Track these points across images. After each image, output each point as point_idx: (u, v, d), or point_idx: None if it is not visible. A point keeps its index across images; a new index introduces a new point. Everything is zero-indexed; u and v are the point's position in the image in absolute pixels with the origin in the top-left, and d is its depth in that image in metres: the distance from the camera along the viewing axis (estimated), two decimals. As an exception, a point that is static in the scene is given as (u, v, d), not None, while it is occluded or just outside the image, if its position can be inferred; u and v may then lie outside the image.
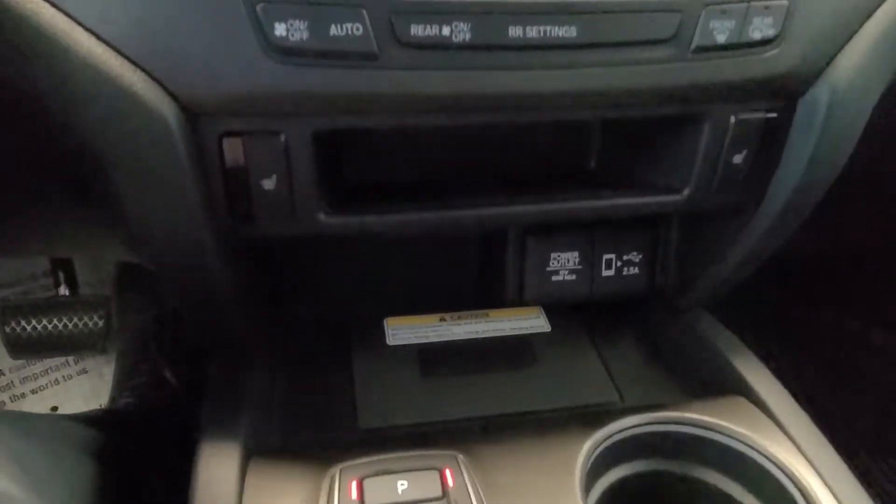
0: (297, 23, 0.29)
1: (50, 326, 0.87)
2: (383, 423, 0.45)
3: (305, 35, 0.29)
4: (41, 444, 0.42)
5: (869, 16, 0.37)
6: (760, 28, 0.34)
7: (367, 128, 0.34)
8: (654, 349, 0.53)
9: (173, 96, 0.31)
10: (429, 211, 0.38)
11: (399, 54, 0.31)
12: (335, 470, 0.37)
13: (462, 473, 0.37)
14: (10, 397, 0.95)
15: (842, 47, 0.37)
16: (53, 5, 0.28)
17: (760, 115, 0.38)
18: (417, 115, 0.34)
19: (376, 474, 0.37)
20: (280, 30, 0.29)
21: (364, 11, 0.29)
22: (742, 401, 0.44)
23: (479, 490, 0.36)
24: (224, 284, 0.39)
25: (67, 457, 0.44)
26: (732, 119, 0.38)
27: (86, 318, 0.88)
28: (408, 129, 0.37)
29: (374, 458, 0.38)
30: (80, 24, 0.29)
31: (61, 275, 0.93)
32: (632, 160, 0.45)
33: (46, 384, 0.97)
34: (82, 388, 0.99)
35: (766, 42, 0.34)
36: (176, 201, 0.33)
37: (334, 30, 0.30)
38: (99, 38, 0.29)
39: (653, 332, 0.54)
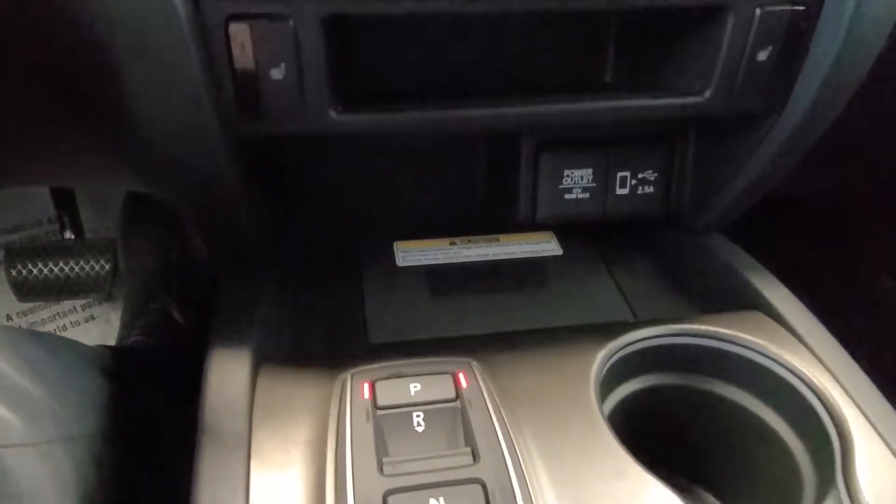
0: None
1: (56, 270, 0.87)
2: (394, 339, 0.44)
3: None
4: (57, 356, 0.42)
5: None
6: None
7: (375, 14, 0.33)
8: (667, 271, 0.52)
9: (178, -26, 0.30)
10: (442, 109, 0.37)
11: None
12: (346, 375, 0.37)
13: (476, 377, 0.36)
14: (19, 342, 0.95)
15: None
16: None
17: (787, 7, 0.36)
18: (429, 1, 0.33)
19: (389, 377, 0.36)
20: None
21: None
22: (759, 315, 0.44)
23: (493, 392, 0.36)
24: (234, 189, 0.38)
25: (82, 371, 0.44)
26: (758, 12, 0.36)
27: (92, 262, 0.88)
28: (418, 22, 0.36)
29: (386, 363, 0.38)
30: None
31: (66, 219, 0.92)
32: (649, 69, 0.43)
33: (54, 330, 0.98)
34: (90, 334, 0.99)
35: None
36: (183, 93, 0.32)
37: None
38: None
39: (666, 254, 0.54)
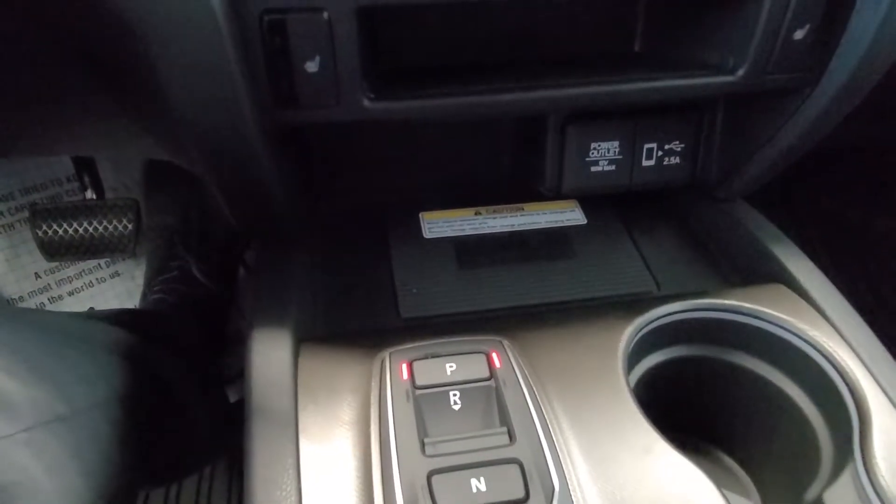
0: None
1: (81, 230, 0.88)
2: (425, 313, 0.46)
3: None
4: (35, 338, 0.42)
5: None
6: None
7: (410, 3, 0.33)
8: (691, 240, 0.53)
9: (213, -30, 0.29)
10: (474, 95, 0.37)
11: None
12: (385, 354, 0.38)
13: (508, 356, 0.38)
14: (49, 299, 0.98)
15: None
16: None
17: None
18: None
19: (425, 357, 0.37)
20: None
21: None
22: (782, 288, 0.45)
23: (526, 371, 0.37)
24: (266, 171, 0.38)
25: (66, 347, 0.44)
26: None
27: (115, 222, 0.89)
28: (450, 7, 0.35)
29: (422, 343, 0.39)
30: None
31: (86, 178, 0.93)
32: (679, 40, 0.43)
33: (82, 286, 1.00)
34: (116, 290, 1.02)
35: None
36: (220, 86, 0.33)
37: None
38: None
39: (690, 222, 0.54)
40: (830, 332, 0.41)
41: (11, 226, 0.95)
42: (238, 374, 0.89)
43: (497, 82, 0.38)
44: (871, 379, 0.38)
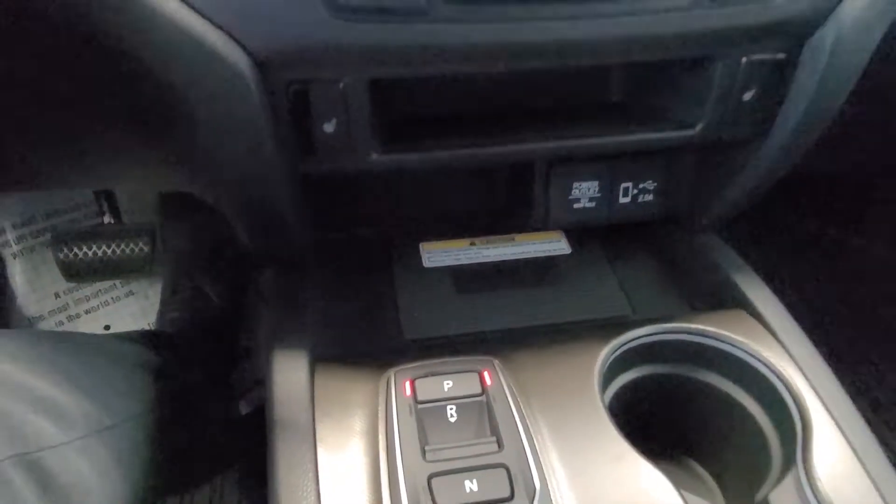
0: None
1: (100, 252, 0.93)
2: (426, 335, 0.51)
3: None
4: (81, 355, 0.47)
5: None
6: (773, -25, 0.37)
7: (418, 76, 0.38)
8: (665, 268, 0.59)
9: (247, 51, 0.35)
10: (467, 148, 0.43)
11: (445, 9, 0.35)
12: (390, 373, 0.43)
13: (498, 375, 0.43)
14: (67, 317, 1.03)
15: (850, -9, 0.40)
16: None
17: (769, 56, 0.42)
18: (464, 64, 0.38)
19: (426, 376, 0.43)
20: (343, -9, 0.33)
21: None
22: (742, 314, 0.50)
23: (513, 388, 0.43)
24: (287, 209, 0.44)
25: (107, 364, 0.49)
26: (744, 60, 0.41)
27: (132, 245, 0.95)
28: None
29: (423, 363, 0.44)
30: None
31: (105, 204, 0.98)
32: (652, 95, 0.49)
33: (98, 305, 1.05)
34: (130, 309, 1.07)
35: (778, -11, 0.38)
36: (251, 142, 0.38)
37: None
38: (184, 2, 0.33)
39: (664, 252, 0.60)
40: (781, 353, 0.46)
41: (33, 248, 1.00)
42: (248, 388, 0.95)
43: (489, 136, 0.44)
44: (814, 394, 0.43)
